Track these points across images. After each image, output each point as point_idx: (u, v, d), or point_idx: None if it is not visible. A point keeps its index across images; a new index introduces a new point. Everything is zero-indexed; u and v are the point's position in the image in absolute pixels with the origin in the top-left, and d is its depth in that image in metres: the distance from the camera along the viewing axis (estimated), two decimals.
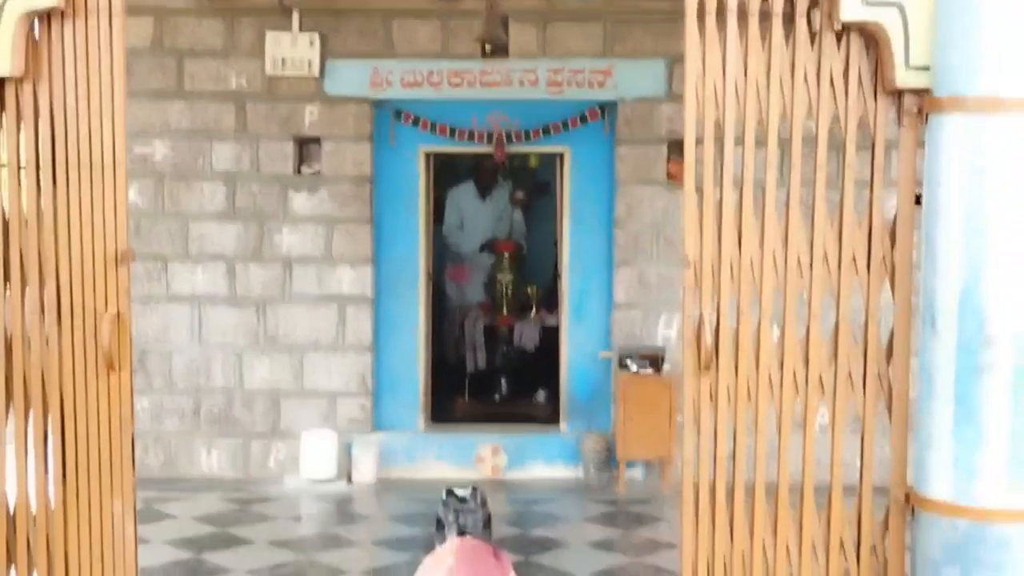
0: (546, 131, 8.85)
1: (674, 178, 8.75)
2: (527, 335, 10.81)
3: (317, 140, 8.79)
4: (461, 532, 5.85)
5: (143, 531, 7.19)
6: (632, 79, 8.69)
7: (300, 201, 8.77)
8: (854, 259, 4.12)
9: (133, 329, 8.59)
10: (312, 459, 8.63)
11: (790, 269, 4.12)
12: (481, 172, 10.69)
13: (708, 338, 4.05)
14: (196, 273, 8.82)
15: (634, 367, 8.54)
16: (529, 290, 11.16)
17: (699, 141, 4.19)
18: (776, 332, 4.14)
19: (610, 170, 8.88)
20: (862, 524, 4.15)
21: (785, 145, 4.10)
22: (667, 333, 8.81)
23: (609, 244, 8.93)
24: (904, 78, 3.99)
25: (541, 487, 8.66)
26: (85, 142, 4.07)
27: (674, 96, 8.68)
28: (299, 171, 8.80)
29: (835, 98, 4.09)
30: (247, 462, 8.88)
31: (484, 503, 6.03)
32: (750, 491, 4.16)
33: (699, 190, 4.14)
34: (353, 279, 8.82)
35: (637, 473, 8.82)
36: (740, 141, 4.11)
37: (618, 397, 8.55)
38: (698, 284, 4.12)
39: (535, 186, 12.32)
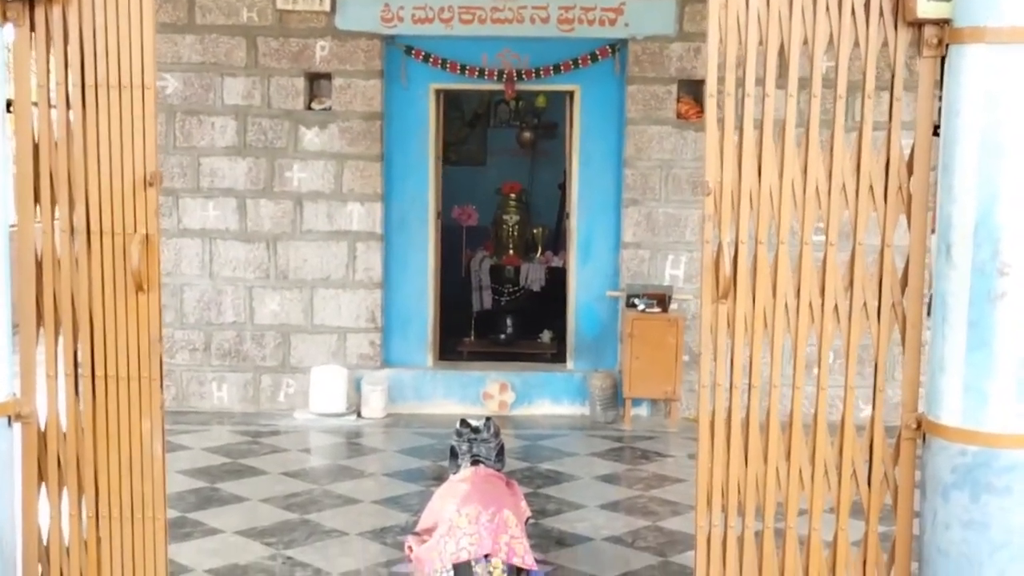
0: (556, 69, 8.86)
1: (684, 117, 8.79)
2: (533, 276, 10.87)
3: (328, 76, 8.82)
4: (475, 461, 5.97)
5: None
6: (643, 17, 8.71)
7: (311, 137, 8.81)
8: (871, 189, 4.17)
9: None
10: (322, 394, 8.73)
11: (808, 198, 4.17)
12: None
13: (727, 266, 4.11)
14: (207, 208, 8.87)
15: (641, 306, 8.62)
16: (535, 231, 11.22)
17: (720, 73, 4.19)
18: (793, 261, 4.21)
19: (620, 109, 8.92)
20: (874, 449, 4.23)
21: (806, 75, 4.14)
22: (674, 273, 8.89)
23: (618, 183, 8.98)
24: (925, 8, 4.02)
25: (548, 423, 8.77)
26: (114, 64, 4.09)
27: (685, 35, 8.72)
28: (310, 107, 8.84)
29: (856, 28, 4.12)
30: (257, 396, 8.98)
31: (497, 433, 6.14)
32: (765, 417, 4.24)
33: (720, 120, 4.17)
34: (363, 215, 8.87)
35: (643, 411, 8.94)
36: (761, 70, 4.15)
37: (625, 336, 8.64)
38: (718, 212, 4.17)
39: (542, 126, 12.38)
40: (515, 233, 11.06)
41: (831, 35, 4.14)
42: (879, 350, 4.22)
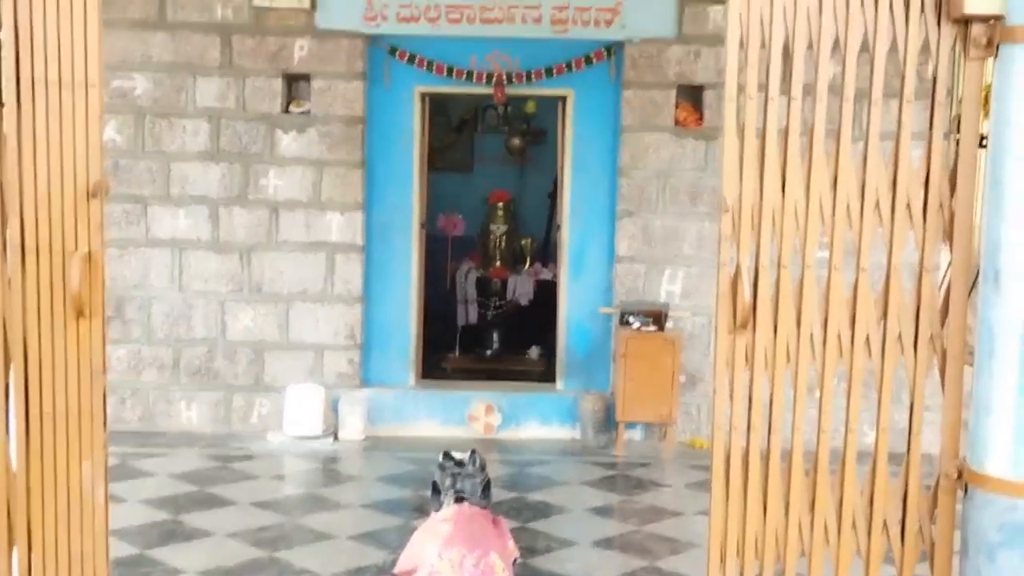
0: (549, 72, 8.40)
1: (683, 125, 8.34)
2: (521, 289, 10.41)
3: (307, 77, 8.33)
4: (459, 498, 5.48)
5: (118, 489, 6.89)
6: (640, 18, 8.25)
7: (288, 142, 8.32)
8: (909, 206, 3.71)
9: (110, 275, 8.22)
10: (297, 415, 8.24)
11: (838, 217, 3.71)
12: None
13: (747, 292, 3.64)
14: (177, 216, 8.37)
15: (636, 324, 8.15)
16: (523, 242, 10.77)
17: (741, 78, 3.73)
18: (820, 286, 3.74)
19: (615, 115, 8.45)
20: (908, 501, 3.77)
21: (836, 79, 3.68)
22: (671, 289, 8.43)
23: (612, 194, 8.51)
24: (973, 4, 3.57)
25: (536, 448, 8.29)
26: (54, 58, 3.61)
27: (684, 37, 8.27)
28: (287, 110, 8.35)
29: (894, 25, 3.66)
30: (229, 417, 8.48)
31: (483, 467, 5.65)
32: (786, 462, 3.77)
33: (740, 128, 3.70)
34: (343, 225, 8.39)
35: (636, 435, 8.47)
36: (787, 74, 3.68)
37: (618, 355, 8.16)
38: (736, 232, 3.71)
39: (531, 133, 11.92)
40: (503, 244, 10.62)
41: (865, 33, 3.68)
42: (915, 388, 3.76)
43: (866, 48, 3.68)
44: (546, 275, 10.41)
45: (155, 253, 8.39)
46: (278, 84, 8.29)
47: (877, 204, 3.70)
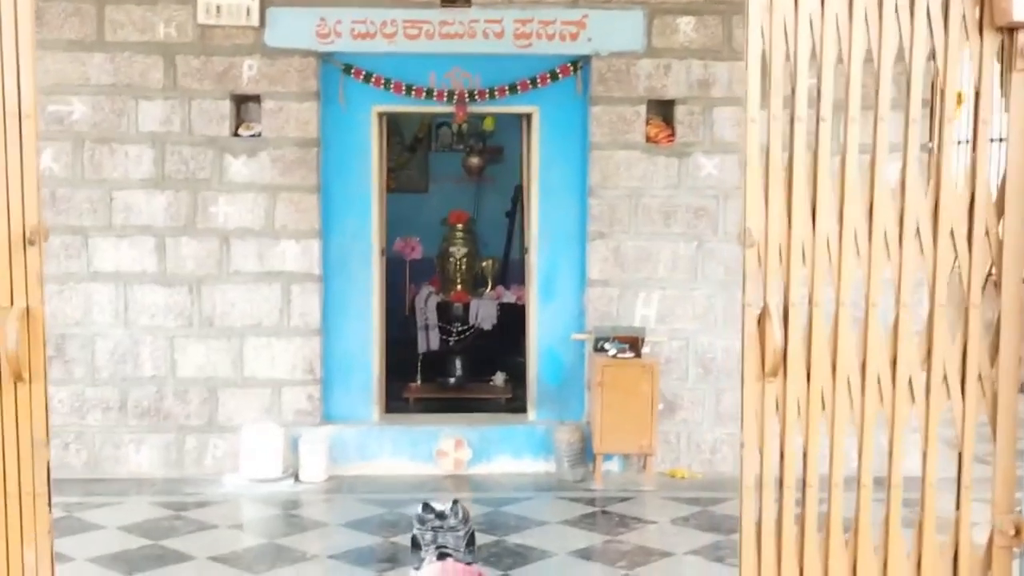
0: (512, 89, 7.99)
1: (654, 141, 7.97)
2: (484, 312, 9.98)
3: (257, 98, 7.85)
4: (441, 554, 5.05)
5: (64, 546, 6.36)
6: (608, 32, 7.87)
7: (238, 167, 7.83)
8: (952, 234, 3.33)
9: (49, 311, 7.66)
10: (254, 456, 7.74)
11: (875, 248, 3.32)
12: None
13: (777, 335, 3.24)
14: (121, 248, 7.85)
15: (611, 350, 7.75)
16: (484, 264, 10.35)
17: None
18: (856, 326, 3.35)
19: (583, 132, 8.06)
20: (959, 562, 3.38)
21: (870, 95, 3.30)
22: (646, 313, 8.04)
23: (581, 214, 8.12)
24: (1020, 11, 3.20)
25: (509, 483, 7.86)
26: None
27: (654, 50, 7.90)
28: (237, 133, 7.86)
29: (932, 35, 3.29)
30: (181, 460, 7.96)
31: (466, 519, 5.21)
32: (823, 526, 3.37)
33: (764, 151, 3.30)
34: (298, 254, 7.91)
35: (614, 466, 8.07)
36: (815, 90, 3.29)
37: (594, 384, 7.75)
38: (762, 267, 3.30)
39: (487, 151, 11.55)
40: (463, 267, 10.17)
41: (900, 44, 3.30)
42: (964, 435, 3.38)
43: (900, 58, 3.30)
44: (509, 298, 10.00)
45: (97, 287, 7.86)
46: (226, 106, 7.80)
47: (917, 232, 3.32)
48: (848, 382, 3.34)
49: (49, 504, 3.28)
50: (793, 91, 3.28)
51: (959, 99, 3.51)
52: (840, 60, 3.29)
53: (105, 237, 7.83)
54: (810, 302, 3.32)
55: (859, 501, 3.36)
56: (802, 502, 3.34)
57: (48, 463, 3.28)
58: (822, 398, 3.33)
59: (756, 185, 3.29)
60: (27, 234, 3.14)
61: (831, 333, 3.34)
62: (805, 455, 3.34)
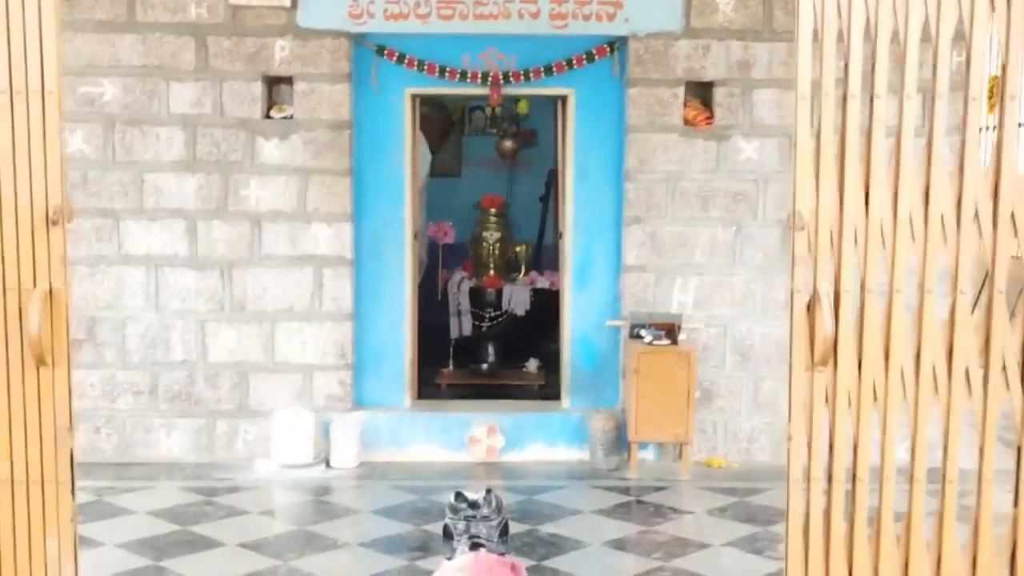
0: (548, 71, 7.83)
1: (692, 124, 7.80)
2: (516, 298, 9.86)
3: (289, 80, 7.74)
4: (474, 544, 4.93)
5: (93, 530, 6.32)
6: (645, 12, 7.71)
7: (270, 149, 7.73)
8: (1012, 216, 3.18)
9: (80, 295, 7.63)
10: (285, 442, 7.66)
11: (932, 232, 3.17)
12: None
13: (827, 323, 3.09)
14: (152, 231, 7.77)
15: (647, 337, 7.61)
16: (518, 249, 10.22)
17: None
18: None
19: (619, 115, 7.91)
20: (1016, 561, 3.23)
21: (927, 70, 3.15)
22: (683, 299, 7.88)
23: (617, 199, 7.96)
24: None
25: (542, 472, 7.75)
26: (3, 62, 3.03)
27: (692, 31, 7.73)
28: (268, 115, 7.76)
29: (993, 6, 3.13)
30: (212, 445, 7.89)
31: (499, 508, 5.07)
32: (873, 523, 3.23)
33: (815, 130, 3.16)
34: (330, 238, 7.81)
35: (649, 455, 7.94)
36: (869, 66, 3.14)
37: (629, 371, 7.62)
38: (813, 252, 3.16)
39: (521, 134, 11.42)
40: (496, 251, 10.05)
41: (960, 16, 3.14)
42: (1023, 429, 3.23)
43: (961, 36, 3.15)
44: (542, 283, 9.88)
45: (128, 271, 7.79)
46: (258, 88, 7.70)
47: (976, 215, 3.17)
48: (901, 372, 3.20)
49: (73, 492, 3.19)
50: (846, 67, 3.13)
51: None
52: (895, 39, 3.14)
53: (136, 220, 7.76)
54: (862, 288, 3.18)
55: (912, 495, 3.22)
56: (852, 496, 3.20)
57: (72, 450, 3.19)
58: (874, 389, 3.19)
59: (807, 166, 3.15)
60: (50, 214, 3.04)
61: (884, 321, 3.19)
62: (855, 448, 3.20)
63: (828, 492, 3.20)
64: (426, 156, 9.13)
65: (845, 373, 3.18)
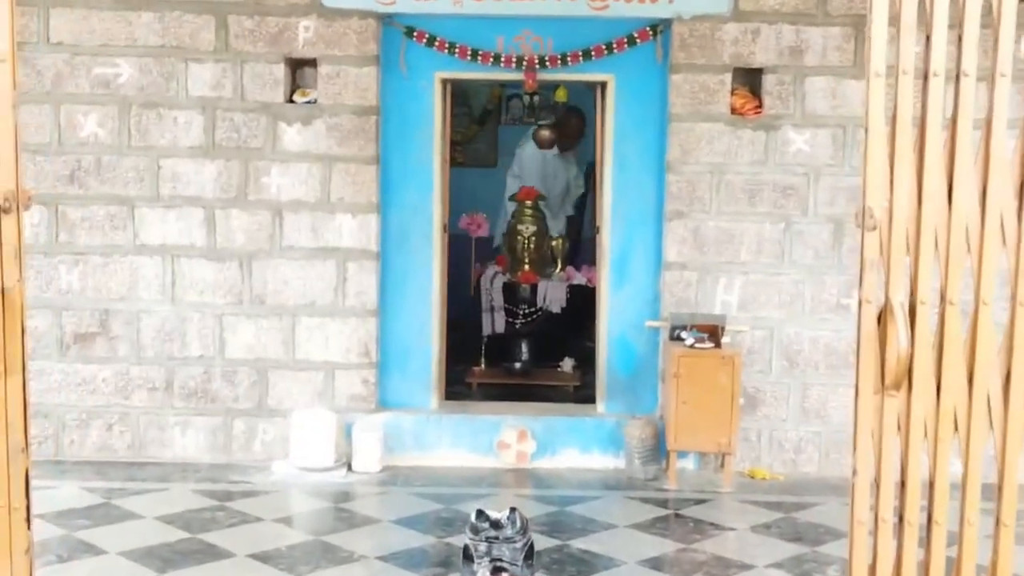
0: (587, 55, 7.41)
1: (739, 113, 7.35)
2: (552, 295, 9.44)
3: (313, 62, 7.37)
4: (496, 568, 4.53)
5: (98, 536, 5.99)
6: None
7: (292, 135, 7.36)
8: None
9: (93, 285, 7.27)
10: (305, 443, 7.30)
11: None
12: None
13: (902, 339, 2.64)
14: (168, 220, 7.43)
15: (689, 340, 7.16)
16: (554, 243, 9.80)
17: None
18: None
19: (662, 103, 7.47)
20: None
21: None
22: (727, 299, 7.44)
23: (659, 192, 7.53)
24: None
25: (575, 480, 7.33)
26: None
27: (740, 14, 7.29)
28: (291, 99, 7.39)
29: None
30: (228, 445, 7.54)
31: (524, 529, 4.66)
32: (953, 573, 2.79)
33: (890, 115, 2.70)
34: (355, 229, 7.42)
35: (688, 463, 7.50)
36: (955, 39, 2.69)
37: (669, 375, 7.18)
38: (885, 256, 2.71)
39: (572, 121, 10.97)
40: (531, 246, 9.63)
41: None
42: None
43: None
44: (579, 279, 9.45)
45: (143, 261, 7.45)
46: (280, 70, 7.32)
47: None
48: (988, 398, 2.74)
49: (28, 519, 2.80)
50: (928, 39, 2.67)
51: None
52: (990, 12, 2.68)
53: (152, 208, 7.41)
54: (942, 299, 2.73)
55: (997, 542, 2.76)
56: (927, 543, 2.75)
57: (27, 471, 2.79)
58: (955, 417, 2.74)
59: (879, 156, 2.70)
60: (0, 201, 2.65)
61: (968, 338, 2.74)
62: (932, 485, 2.75)
63: (899, 537, 2.75)
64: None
65: (921, 398, 2.72)
